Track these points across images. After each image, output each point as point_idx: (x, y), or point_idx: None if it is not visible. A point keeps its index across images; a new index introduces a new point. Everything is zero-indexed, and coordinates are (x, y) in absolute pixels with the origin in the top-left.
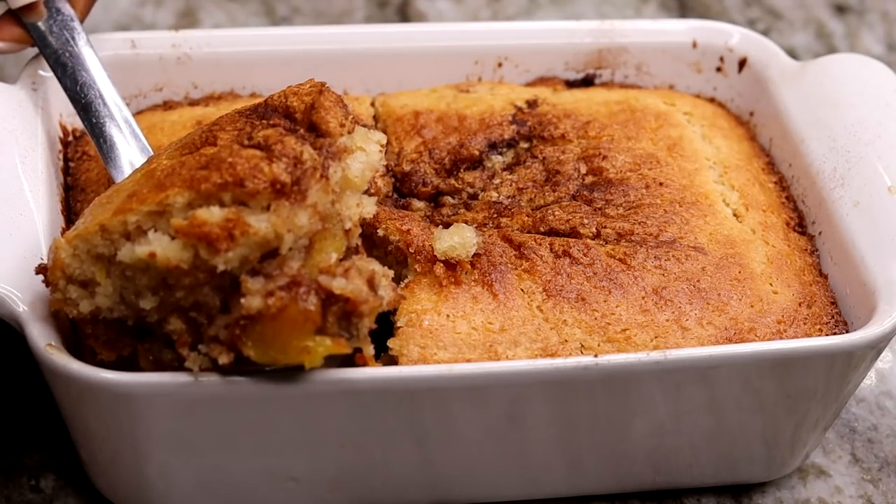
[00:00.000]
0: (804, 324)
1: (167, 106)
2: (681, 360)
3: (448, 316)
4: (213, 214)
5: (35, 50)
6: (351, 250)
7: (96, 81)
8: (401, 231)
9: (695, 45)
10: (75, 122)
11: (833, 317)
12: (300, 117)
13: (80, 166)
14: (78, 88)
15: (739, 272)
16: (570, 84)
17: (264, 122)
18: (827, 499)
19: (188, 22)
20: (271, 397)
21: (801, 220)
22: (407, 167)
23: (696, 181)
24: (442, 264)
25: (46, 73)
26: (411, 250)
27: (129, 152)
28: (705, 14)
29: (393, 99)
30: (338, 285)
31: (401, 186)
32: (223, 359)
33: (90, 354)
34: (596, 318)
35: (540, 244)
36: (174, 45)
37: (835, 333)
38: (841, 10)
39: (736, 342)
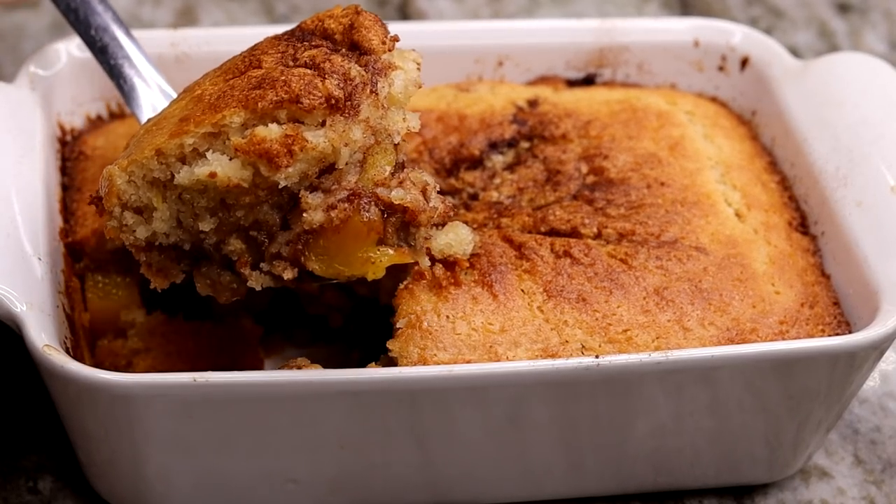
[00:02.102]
0: (806, 324)
1: None
2: (682, 361)
3: (448, 317)
4: (272, 132)
5: (32, 47)
6: (399, 164)
7: (111, 24)
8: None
9: (697, 43)
10: (73, 121)
11: (836, 317)
12: (340, 38)
13: (77, 166)
14: (93, 32)
15: (741, 272)
16: (572, 83)
17: (306, 43)
18: (829, 500)
19: (187, 21)
20: (270, 398)
21: (803, 220)
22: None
23: (698, 181)
24: (441, 265)
25: (44, 73)
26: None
27: (149, 93)
28: (707, 12)
29: None
30: (396, 196)
31: None
32: (287, 274)
33: (88, 356)
34: (597, 319)
35: (540, 244)
36: (173, 44)
37: (837, 334)
38: (843, 8)
39: (738, 343)
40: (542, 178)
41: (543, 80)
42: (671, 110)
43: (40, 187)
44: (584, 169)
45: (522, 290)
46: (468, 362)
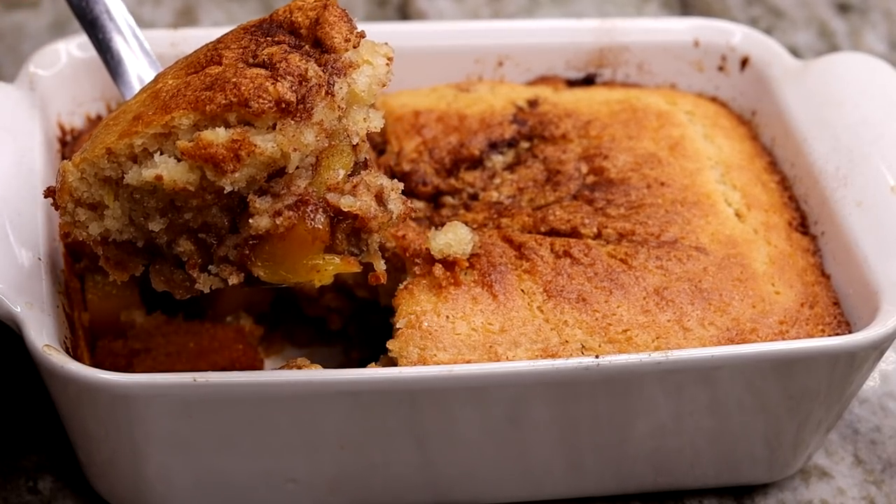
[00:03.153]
0: (806, 324)
1: None
2: (682, 361)
3: (448, 317)
4: (218, 136)
5: (32, 47)
6: (360, 165)
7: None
8: (396, 237)
9: (697, 43)
10: (73, 121)
11: (836, 317)
12: (305, 33)
13: None
14: (84, 4)
15: (741, 272)
16: (572, 83)
17: (269, 38)
18: (829, 500)
19: (187, 20)
20: (270, 398)
21: (803, 220)
22: (407, 167)
23: (698, 181)
24: (440, 265)
25: (44, 72)
26: (408, 255)
27: (138, 66)
28: (707, 12)
29: (392, 98)
30: (346, 202)
31: None
32: (233, 279)
33: (88, 356)
34: (597, 319)
35: (540, 244)
36: (173, 44)
37: (837, 334)
38: (843, 8)
39: (738, 343)
40: (542, 178)
41: (543, 80)
42: (671, 110)
43: (40, 187)
44: (584, 169)
45: (522, 290)
46: (468, 362)
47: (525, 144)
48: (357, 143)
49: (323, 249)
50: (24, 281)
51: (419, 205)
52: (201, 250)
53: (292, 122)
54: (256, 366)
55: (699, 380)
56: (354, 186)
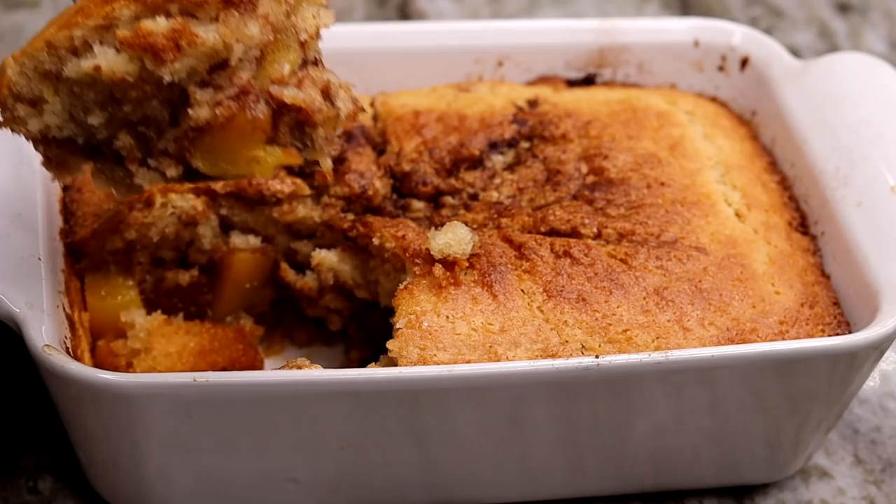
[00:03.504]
0: (806, 324)
1: None
2: (682, 361)
3: (447, 317)
4: (158, 25)
5: None
6: (308, 62)
7: None
8: (396, 237)
9: (697, 43)
10: None
11: (835, 317)
12: None
13: None
14: None
15: (741, 272)
16: (572, 83)
17: None
18: (829, 500)
19: None
20: (270, 398)
21: (803, 220)
22: (407, 167)
23: (698, 181)
24: (440, 265)
25: None
26: (408, 255)
27: None
28: (707, 12)
29: (393, 98)
30: (289, 94)
31: (400, 186)
32: (171, 172)
33: (88, 356)
34: (597, 319)
35: (540, 244)
36: None
37: (837, 334)
38: (843, 8)
39: (738, 343)
40: (541, 178)
41: (543, 80)
42: (671, 110)
43: (40, 188)
44: (584, 169)
45: (522, 290)
46: (468, 362)
47: (525, 144)
48: (305, 40)
49: (264, 141)
50: (24, 281)
51: (419, 205)
52: (141, 144)
53: (236, 13)
54: (256, 366)
55: (699, 380)
56: (300, 80)
